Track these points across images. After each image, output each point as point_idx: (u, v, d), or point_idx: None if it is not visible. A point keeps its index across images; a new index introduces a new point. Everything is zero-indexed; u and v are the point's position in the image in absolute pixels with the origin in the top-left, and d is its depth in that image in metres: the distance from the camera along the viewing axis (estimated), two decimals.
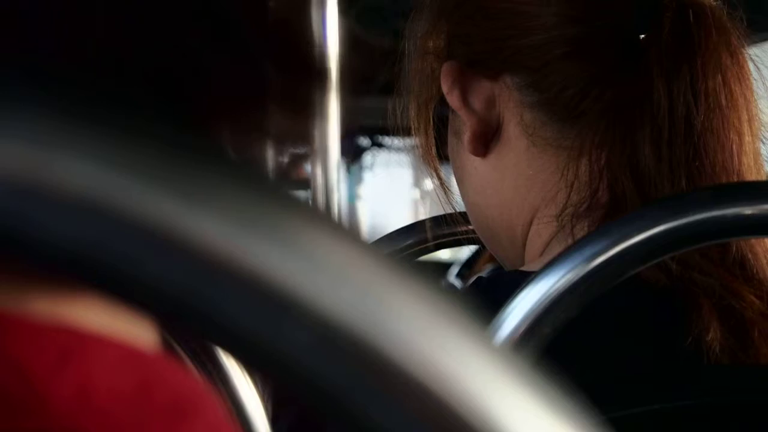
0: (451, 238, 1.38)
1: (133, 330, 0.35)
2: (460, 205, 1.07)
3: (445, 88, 0.97)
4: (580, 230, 0.93)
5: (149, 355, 0.35)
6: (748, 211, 0.73)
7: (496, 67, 0.96)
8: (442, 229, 1.38)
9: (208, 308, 0.22)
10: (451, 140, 1.02)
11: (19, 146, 0.21)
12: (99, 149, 0.21)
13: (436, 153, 1.04)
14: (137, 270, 0.22)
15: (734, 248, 0.90)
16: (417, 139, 1.02)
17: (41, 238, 0.21)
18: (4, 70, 0.22)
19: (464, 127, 0.98)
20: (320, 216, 0.23)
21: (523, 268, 0.96)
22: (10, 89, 0.21)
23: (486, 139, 0.98)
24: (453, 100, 0.97)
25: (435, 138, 1.03)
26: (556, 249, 0.87)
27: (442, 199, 1.08)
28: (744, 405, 0.87)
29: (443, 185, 1.06)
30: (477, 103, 0.97)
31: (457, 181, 1.04)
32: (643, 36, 0.92)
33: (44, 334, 0.32)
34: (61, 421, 0.31)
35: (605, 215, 0.92)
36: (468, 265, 4.83)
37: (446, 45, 0.99)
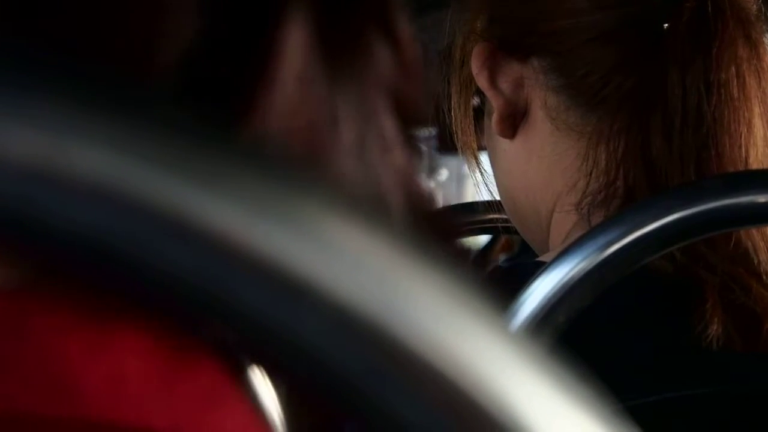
0: (465, 228, 1.38)
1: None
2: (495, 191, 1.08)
3: (474, 69, 0.98)
4: (597, 219, 0.94)
5: (180, 343, 0.35)
6: (761, 199, 0.73)
7: (525, 50, 0.96)
8: (457, 218, 1.38)
9: (223, 293, 0.22)
10: (485, 122, 1.03)
11: (34, 132, 0.21)
12: (115, 135, 0.22)
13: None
14: (152, 257, 0.22)
15: (741, 240, 0.90)
16: (456, 122, 1.03)
17: (56, 225, 0.21)
18: (21, 56, 0.22)
19: (492, 107, 0.99)
20: (338, 201, 0.23)
21: (540, 258, 0.96)
22: (25, 75, 0.22)
23: (513, 122, 0.98)
24: (481, 80, 0.98)
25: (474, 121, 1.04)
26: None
27: (480, 184, 1.08)
28: (758, 393, 0.87)
29: (480, 169, 1.07)
30: (504, 84, 0.98)
31: (490, 165, 1.05)
32: (666, 25, 0.92)
33: (76, 322, 0.32)
34: (93, 409, 0.32)
35: (621, 205, 0.92)
36: (482, 255, 4.83)
37: (487, 27, 1.00)
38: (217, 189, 0.22)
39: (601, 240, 0.74)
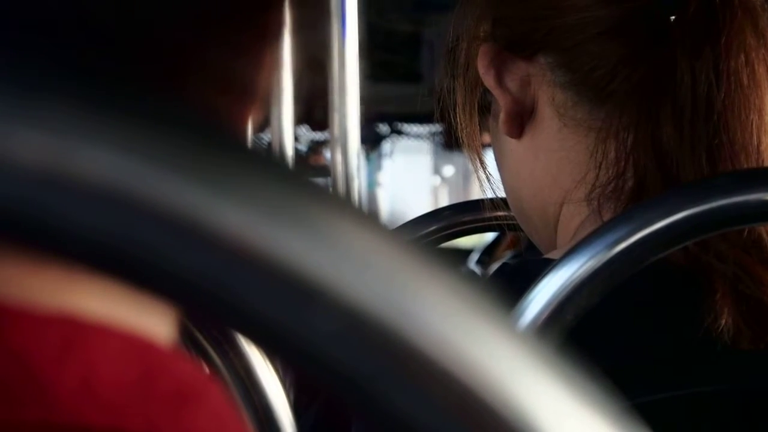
0: (472, 225, 1.38)
1: (138, 318, 0.35)
2: (500, 191, 1.08)
3: (481, 69, 0.98)
4: (608, 212, 0.94)
5: (151, 344, 0.35)
6: None
7: (531, 48, 0.96)
8: (464, 216, 1.38)
9: (233, 297, 0.22)
10: (491, 124, 1.03)
11: (42, 135, 0.21)
12: (123, 138, 0.21)
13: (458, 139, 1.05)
14: (161, 260, 0.22)
15: (751, 230, 0.90)
16: (462, 123, 1.04)
17: (65, 228, 0.21)
18: (27, 58, 0.22)
19: (499, 107, 0.99)
20: (343, 203, 0.23)
21: (548, 256, 0.96)
22: (32, 78, 0.21)
23: (520, 121, 0.98)
24: (488, 80, 0.98)
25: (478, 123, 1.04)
26: (584, 234, 0.87)
27: (484, 184, 1.08)
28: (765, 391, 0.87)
29: (484, 169, 1.07)
30: (511, 83, 0.98)
31: (496, 166, 1.05)
32: (673, 17, 0.92)
33: (46, 324, 0.32)
34: (65, 412, 0.32)
35: (631, 197, 0.92)
36: (488, 252, 4.84)
37: (491, 29, 1.00)
38: (226, 192, 0.22)
39: (610, 238, 0.74)
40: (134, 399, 0.33)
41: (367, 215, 0.23)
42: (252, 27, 0.38)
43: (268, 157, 0.23)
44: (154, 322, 0.36)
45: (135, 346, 0.34)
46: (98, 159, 0.21)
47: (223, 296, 0.22)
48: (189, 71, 0.35)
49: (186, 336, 0.89)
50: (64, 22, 0.33)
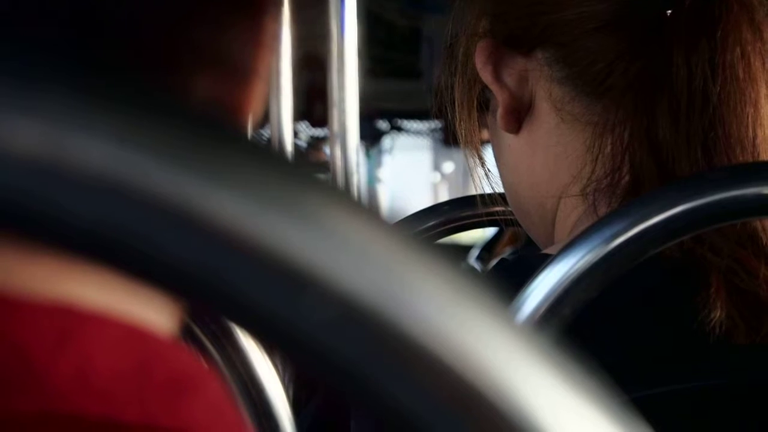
0: (471, 221, 1.38)
1: (136, 308, 0.35)
2: (498, 187, 1.08)
3: (478, 64, 0.98)
4: (603, 207, 0.94)
5: (148, 334, 0.35)
6: (767, 191, 0.73)
7: (529, 43, 0.97)
8: (463, 211, 1.38)
9: (229, 286, 0.22)
10: (489, 120, 1.03)
11: (37, 124, 0.21)
12: (119, 128, 0.22)
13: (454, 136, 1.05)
14: (157, 249, 0.22)
15: (746, 223, 0.90)
16: (460, 120, 1.04)
17: (60, 218, 0.22)
18: (23, 48, 0.22)
19: (497, 103, 0.99)
20: (342, 195, 0.23)
21: (546, 251, 0.96)
22: (28, 67, 0.22)
23: (518, 116, 0.99)
24: (485, 75, 0.98)
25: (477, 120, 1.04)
26: (582, 229, 0.87)
27: (483, 180, 1.09)
28: (761, 385, 0.87)
29: (483, 166, 1.07)
30: (509, 78, 0.98)
31: (495, 162, 1.05)
32: (669, 11, 0.92)
33: (43, 314, 0.32)
34: (61, 401, 0.32)
35: (627, 192, 0.92)
36: (488, 248, 4.84)
37: (489, 25, 1.00)
38: (221, 180, 0.22)
39: (607, 232, 0.74)
40: (130, 388, 0.33)
41: (365, 206, 0.23)
42: (244, 4, 0.38)
43: (265, 147, 0.23)
44: (151, 312, 0.36)
45: (132, 336, 0.34)
46: (93, 148, 0.21)
47: (220, 285, 0.22)
48: (182, 52, 0.35)
49: (184, 331, 0.89)
50: (57, 11, 0.33)
